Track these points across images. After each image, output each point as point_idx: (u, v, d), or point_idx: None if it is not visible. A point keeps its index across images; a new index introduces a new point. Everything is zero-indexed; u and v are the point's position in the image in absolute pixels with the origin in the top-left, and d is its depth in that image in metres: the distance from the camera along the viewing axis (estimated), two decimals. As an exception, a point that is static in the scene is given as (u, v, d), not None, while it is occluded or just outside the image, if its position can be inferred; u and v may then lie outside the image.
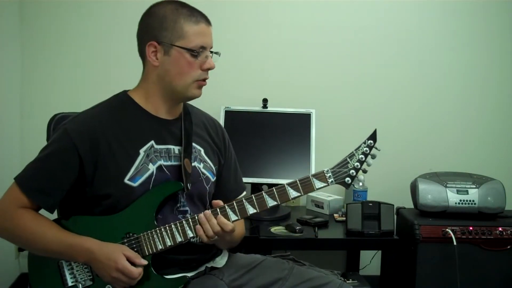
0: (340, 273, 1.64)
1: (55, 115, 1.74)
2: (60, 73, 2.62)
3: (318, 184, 1.42)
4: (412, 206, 2.42)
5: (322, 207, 2.49)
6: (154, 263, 1.41)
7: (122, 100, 1.52)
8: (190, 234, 1.40)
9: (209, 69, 1.48)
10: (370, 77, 2.76)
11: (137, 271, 1.34)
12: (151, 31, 1.45)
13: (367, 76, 2.75)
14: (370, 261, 2.68)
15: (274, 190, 1.41)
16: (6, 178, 2.46)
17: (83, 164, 1.39)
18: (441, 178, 2.40)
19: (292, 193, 1.41)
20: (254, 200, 1.41)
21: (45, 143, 1.65)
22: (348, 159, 1.43)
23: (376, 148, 1.45)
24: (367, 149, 1.44)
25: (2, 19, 2.46)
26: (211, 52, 1.50)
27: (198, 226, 1.38)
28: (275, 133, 2.45)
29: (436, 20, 2.77)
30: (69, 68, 2.62)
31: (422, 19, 2.76)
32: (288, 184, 1.41)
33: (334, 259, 2.77)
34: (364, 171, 1.44)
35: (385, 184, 2.69)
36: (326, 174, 1.42)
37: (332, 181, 1.42)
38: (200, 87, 1.49)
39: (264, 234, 2.08)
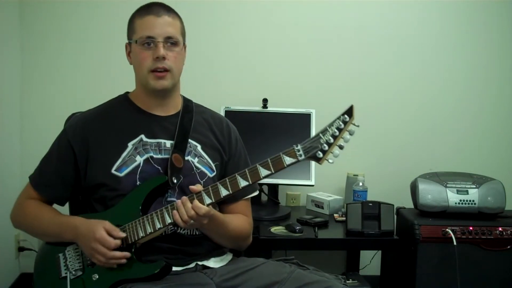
0: (345, 278, 1.61)
1: (73, 113, 1.79)
2: (60, 73, 2.62)
3: (288, 160, 1.37)
4: (412, 206, 2.42)
5: (322, 207, 2.49)
6: (139, 251, 1.45)
7: (119, 100, 1.64)
8: (168, 220, 1.42)
9: (157, 57, 1.48)
10: (370, 77, 2.76)
11: (114, 242, 1.40)
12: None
13: (367, 76, 2.75)
14: (370, 261, 2.68)
15: (246, 170, 1.40)
16: (6, 177, 2.47)
17: (76, 158, 1.53)
18: (441, 178, 2.40)
19: (263, 172, 1.38)
20: (227, 181, 1.40)
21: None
22: (321, 135, 1.36)
23: (354, 124, 1.36)
24: (342, 124, 1.35)
25: (2, 19, 2.46)
26: (171, 41, 1.51)
27: (174, 211, 1.40)
28: (275, 133, 2.45)
29: (436, 20, 2.77)
30: (69, 68, 2.62)
31: (422, 19, 2.76)
32: (259, 164, 1.39)
33: (334, 259, 2.77)
34: (340, 147, 1.36)
35: (385, 184, 2.69)
36: (295, 149, 1.37)
37: (301, 154, 1.36)
38: (157, 78, 1.51)
39: (264, 234, 2.08)
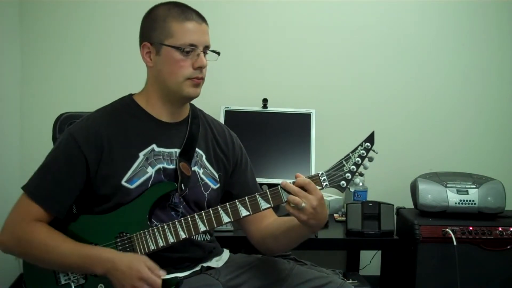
0: (342, 272, 1.62)
1: (61, 114, 1.74)
2: (60, 73, 2.62)
3: None
4: (412, 206, 2.42)
5: (322, 207, 2.49)
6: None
7: (126, 104, 1.53)
8: (182, 235, 1.39)
9: (200, 67, 1.45)
10: (370, 77, 2.76)
11: (159, 281, 1.31)
12: (145, 33, 1.49)
13: (367, 76, 2.76)
14: (370, 261, 2.68)
15: (268, 192, 1.39)
16: (6, 177, 2.47)
17: (88, 166, 1.41)
18: (441, 178, 2.40)
19: (285, 196, 1.38)
20: (247, 201, 1.38)
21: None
22: (344, 162, 1.39)
23: (374, 151, 1.40)
24: (364, 151, 1.39)
25: (2, 19, 2.46)
26: (208, 50, 1.49)
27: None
28: (275, 133, 2.45)
29: (436, 20, 2.77)
30: (69, 68, 2.62)
31: (422, 19, 2.76)
32: (282, 187, 1.39)
33: (334, 259, 2.77)
34: (361, 174, 1.40)
35: (385, 184, 2.69)
36: (320, 178, 1.39)
37: (326, 184, 1.39)
38: (195, 85, 1.46)
39: (264, 234, 2.07)
